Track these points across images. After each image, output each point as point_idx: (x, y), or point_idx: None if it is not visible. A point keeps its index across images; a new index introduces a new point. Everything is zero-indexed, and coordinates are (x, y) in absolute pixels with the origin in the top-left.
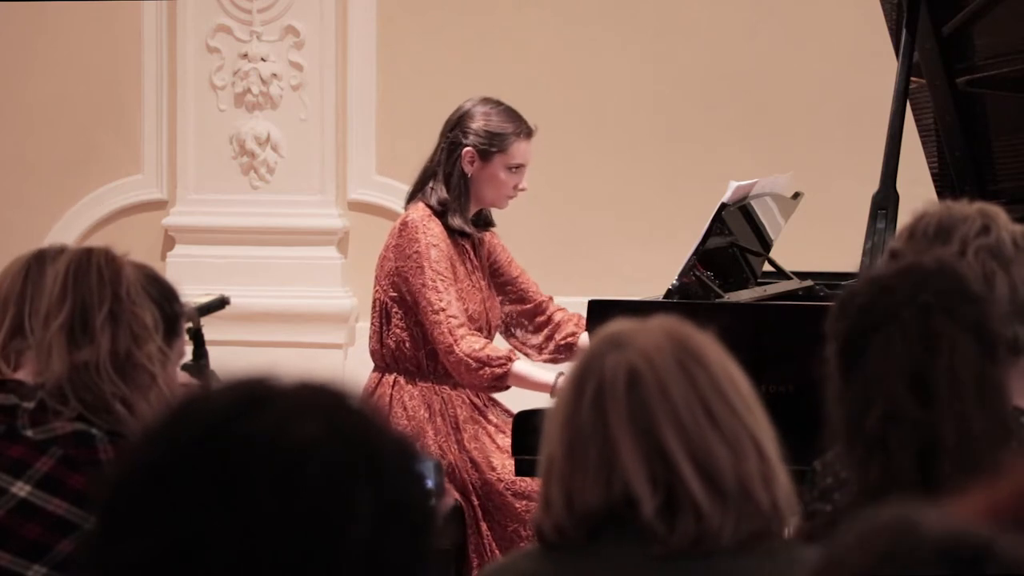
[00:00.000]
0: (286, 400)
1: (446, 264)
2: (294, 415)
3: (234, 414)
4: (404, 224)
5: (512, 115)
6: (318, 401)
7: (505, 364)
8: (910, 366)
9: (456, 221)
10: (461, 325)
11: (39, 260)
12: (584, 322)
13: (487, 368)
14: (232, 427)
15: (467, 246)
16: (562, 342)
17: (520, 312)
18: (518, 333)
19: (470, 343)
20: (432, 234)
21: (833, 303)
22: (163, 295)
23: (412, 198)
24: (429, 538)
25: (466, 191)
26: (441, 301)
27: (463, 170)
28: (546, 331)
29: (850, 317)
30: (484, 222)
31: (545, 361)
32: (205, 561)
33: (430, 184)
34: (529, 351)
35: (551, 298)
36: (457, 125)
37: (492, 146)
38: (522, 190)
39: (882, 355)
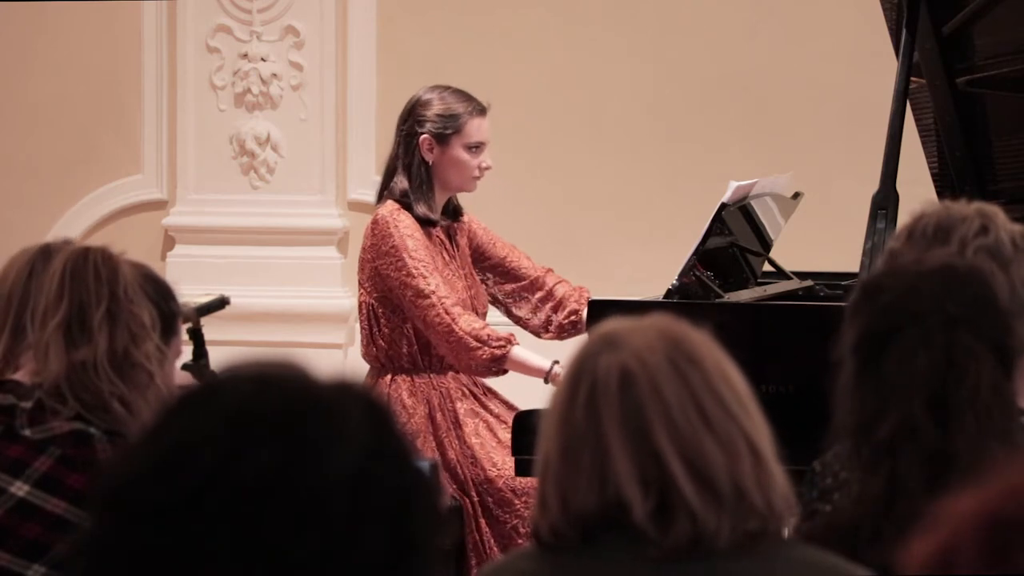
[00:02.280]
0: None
1: (424, 252)
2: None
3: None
4: (375, 222)
5: (462, 95)
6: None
7: (505, 346)
8: (930, 383)
9: (420, 209)
10: (455, 304)
11: (44, 256)
12: (586, 295)
13: (486, 348)
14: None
15: (441, 236)
16: (565, 321)
17: (517, 289)
18: (520, 312)
19: (469, 321)
20: (405, 225)
21: (855, 289)
22: (160, 294)
23: (380, 197)
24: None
25: (428, 179)
26: (429, 285)
27: (423, 158)
28: (548, 307)
29: (872, 312)
30: (453, 211)
31: (551, 339)
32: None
33: (394, 179)
34: (537, 329)
35: (550, 270)
36: (410, 116)
37: (447, 128)
38: (487, 168)
39: (901, 364)
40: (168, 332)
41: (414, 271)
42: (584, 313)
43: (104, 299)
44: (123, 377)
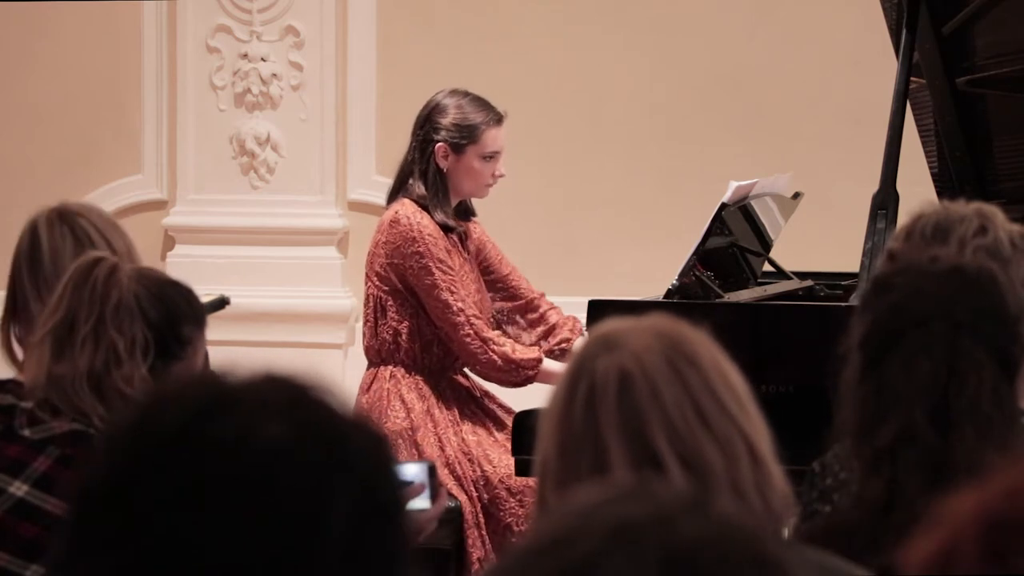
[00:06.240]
0: (248, 400)
1: (449, 259)
2: (257, 416)
3: (196, 418)
4: (395, 221)
5: (481, 104)
6: (281, 397)
7: (536, 367)
8: (931, 390)
9: (438, 216)
10: (486, 325)
11: (51, 220)
12: (579, 326)
13: (522, 371)
14: (195, 432)
15: (455, 238)
16: (556, 347)
17: (512, 308)
18: (511, 330)
19: (502, 348)
20: (429, 232)
21: (869, 283)
22: (166, 318)
23: (394, 196)
24: (405, 527)
25: (443, 186)
26: (458, 302)
27: (438, 166)
28: (540, 330)
29: (880, 310)
30: (464, 211)
31: None
32: (180, 569)
33: (410, 181)
34: None
35: (543, 294)
36: (427, 121)
37: (463, 139)
38: (500, 176)
39: (904, 369)
40: (168, 356)
41: (441, 283)
42: (575, 343)
43: (92, 318)
44: (102, 399)
